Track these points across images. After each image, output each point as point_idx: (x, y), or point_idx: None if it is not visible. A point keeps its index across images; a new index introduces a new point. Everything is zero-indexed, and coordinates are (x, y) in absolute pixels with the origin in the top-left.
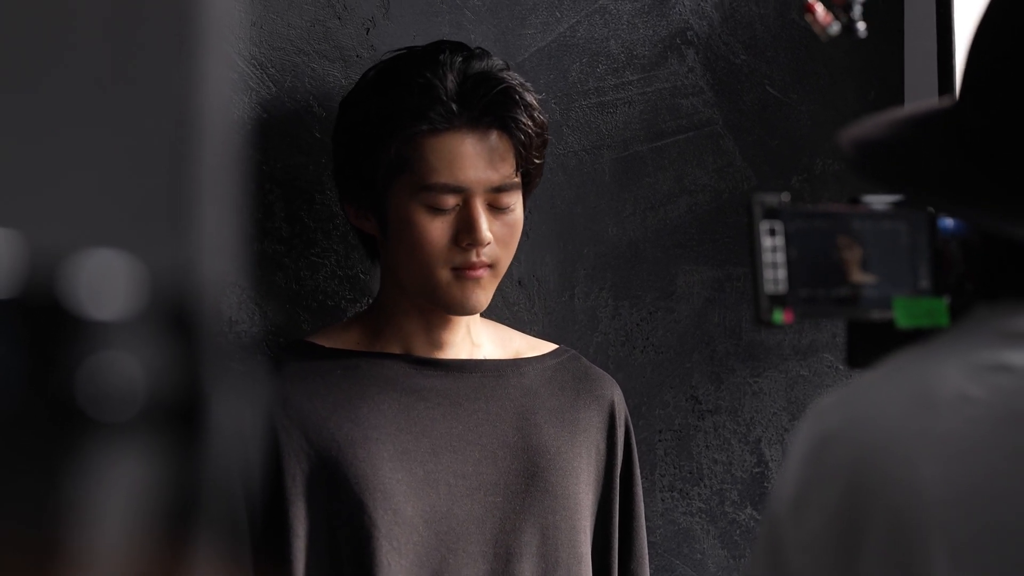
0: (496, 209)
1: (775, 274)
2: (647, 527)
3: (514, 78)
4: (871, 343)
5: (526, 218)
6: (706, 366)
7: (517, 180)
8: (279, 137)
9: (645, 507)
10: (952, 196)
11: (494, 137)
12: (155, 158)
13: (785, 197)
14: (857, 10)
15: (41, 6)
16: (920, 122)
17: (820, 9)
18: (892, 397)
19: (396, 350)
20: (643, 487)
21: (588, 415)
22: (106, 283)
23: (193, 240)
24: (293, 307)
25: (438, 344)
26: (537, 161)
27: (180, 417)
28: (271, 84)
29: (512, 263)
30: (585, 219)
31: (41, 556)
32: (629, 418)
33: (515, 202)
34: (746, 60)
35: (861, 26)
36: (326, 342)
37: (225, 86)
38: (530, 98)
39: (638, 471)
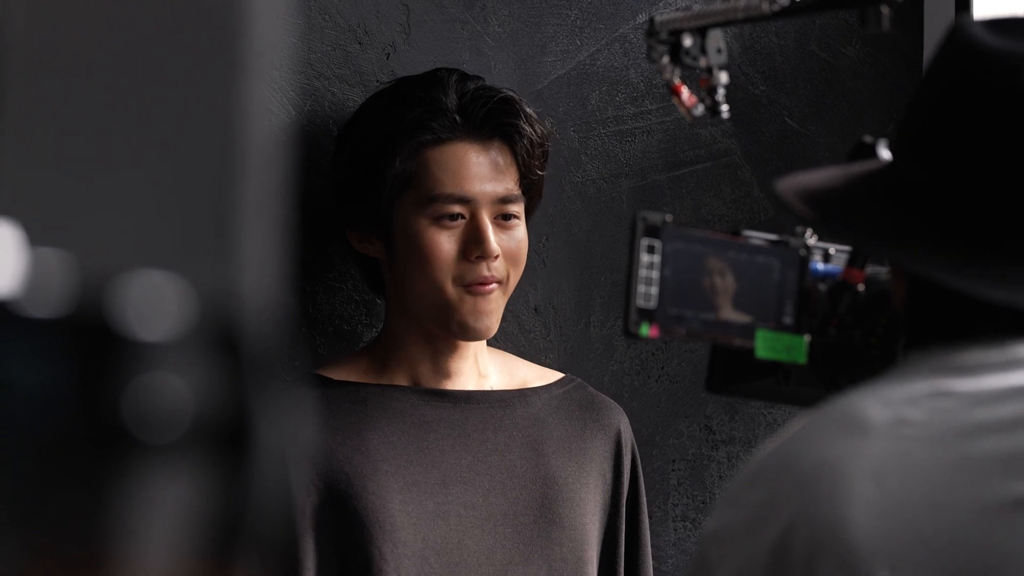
0: (502, 223)
1: (647, 290)
2: (659, 556)
3: (513, 92)
4: (730, 369)
5: (543, 245)
6: (721, 396)
7: (520, 193)
8: (298, 160)
9: (658, 537)
10: (891, 243)
11: (496, 148)
12: (202, 180)
13: (668, 217)
14: (721, 93)
15: (89, 35)
16: (860, 177)
17: (685, 92)
18: (826, 430)
19: (403, 381)
20: (656, 517)
21: (595, 444)
22: (154, 304)
23: (240, 262)
24: (309, 331)
25: (445, 374)
26: (539, 172)
27: (226, 439)
28: (291, 107)
29: (528, 290)
30: (602, 247)
31: (86, 575)
32: (635, 446)
33: (520, 215)
34: (765, 91)
35: (724, 108)
36: (334, 374)
37: (268, 111)
38: (529, 109)
39: (644, 499)
